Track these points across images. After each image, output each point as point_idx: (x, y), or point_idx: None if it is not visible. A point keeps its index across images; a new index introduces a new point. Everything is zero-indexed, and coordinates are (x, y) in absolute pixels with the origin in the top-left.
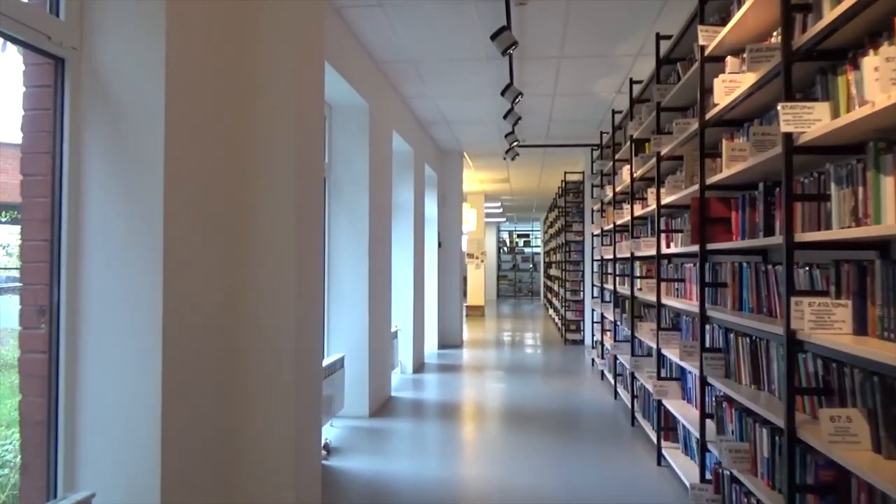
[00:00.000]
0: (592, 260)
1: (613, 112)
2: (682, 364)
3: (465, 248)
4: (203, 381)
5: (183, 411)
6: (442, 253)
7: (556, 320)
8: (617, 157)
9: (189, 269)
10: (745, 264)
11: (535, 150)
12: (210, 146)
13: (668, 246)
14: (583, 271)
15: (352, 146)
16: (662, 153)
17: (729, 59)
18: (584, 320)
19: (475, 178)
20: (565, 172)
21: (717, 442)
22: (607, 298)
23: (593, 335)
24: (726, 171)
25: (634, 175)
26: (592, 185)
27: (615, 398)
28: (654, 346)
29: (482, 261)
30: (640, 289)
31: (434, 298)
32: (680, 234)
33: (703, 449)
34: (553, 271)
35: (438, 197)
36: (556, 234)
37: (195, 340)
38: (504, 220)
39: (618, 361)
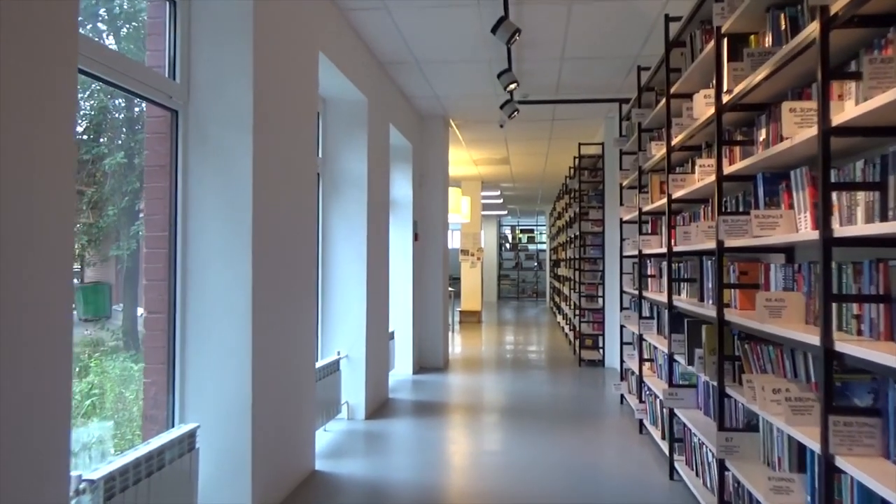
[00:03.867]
0: (621, 257)
1: (668, 18)
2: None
3: (457, 243)
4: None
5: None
6: (419, 248)
7: (567, 331)
8: (676, 88)
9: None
10: None
11: (542, 116)
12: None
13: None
14: (603, 271)
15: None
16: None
17: None
18: (604, 334)
19: (467, 159)
20: (580, 144)
21: None
22: (648, 313)
23: (622, 361)
24: None
25: (724, 102)
26: (621, 153)
27: (671, 477)
28: (787, 429)
29: (479, 258)
30: (730, 305)
31: (407, 306)
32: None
33: None
34: (562, 270)
35: (415, 175)
36: (566, 226)
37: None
38: (505, 212)
39: (676, 418)
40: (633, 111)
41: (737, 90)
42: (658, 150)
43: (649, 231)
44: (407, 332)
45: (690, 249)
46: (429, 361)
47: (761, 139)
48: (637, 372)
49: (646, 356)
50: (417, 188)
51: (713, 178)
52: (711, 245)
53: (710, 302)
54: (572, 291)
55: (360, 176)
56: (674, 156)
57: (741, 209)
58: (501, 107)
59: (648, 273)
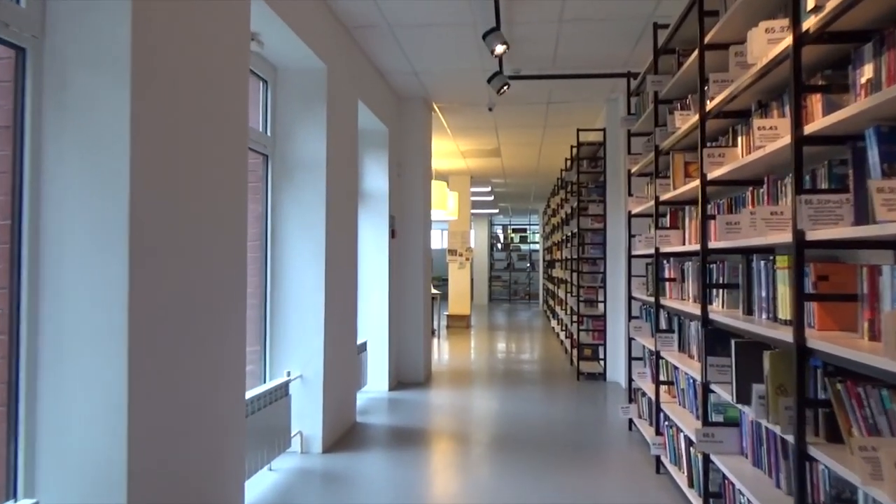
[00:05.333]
0: (629, 256)
1: None
2: None
3: (445, 243)
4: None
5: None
6: (397, 247)
7: (563, 338)
8: (713, 34)
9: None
10: None
11: (536, 98)
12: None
13: None
14: (604, 273)
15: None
16: None
17: None
18: (605, 344)
19: (454, 150)
20: (578, 131)
21: None
22: (666, 325)
23: (630, 380)
24: None
25: (807, 30)
26: (630, 136)
27: None
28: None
29: (467, 259)
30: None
31: (382, 313)
32: None
33: None
34: (557, 272)
35: (391, 164)
36: (561, 224)
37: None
38: (497, 211)
39: (712, 464)
40: (649, 78)
41: (830, 6)
42: (684, 122)
43: (668, 225)
44: (382, 342)
45: (738, 246)
46: (408, 375)
47: (862, 81)
48: (652, 397)
49: (662, 377)
50: (395, 179)
51: (781, 143)
52: (780, 238)
53: (765, 316)
54: (569, 295)
55: (318, 159)
56: (709, 125)
57: (821, 187)
58: (490, 80)
59: (666, 276)
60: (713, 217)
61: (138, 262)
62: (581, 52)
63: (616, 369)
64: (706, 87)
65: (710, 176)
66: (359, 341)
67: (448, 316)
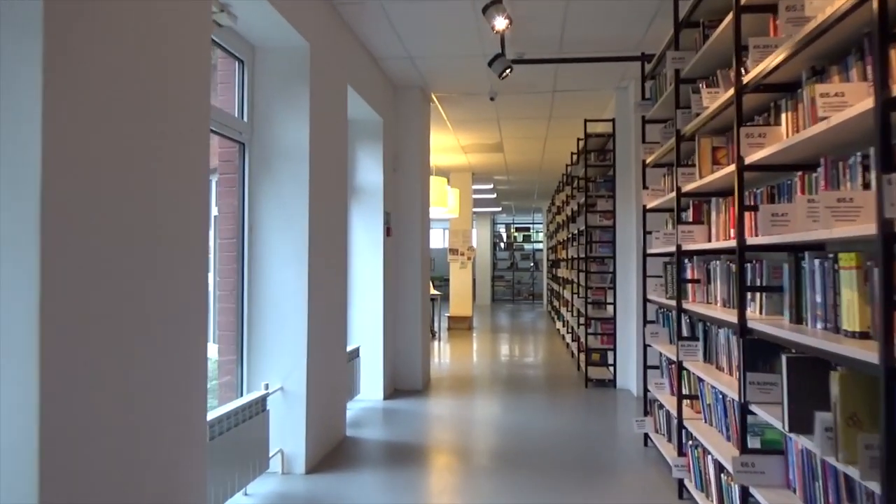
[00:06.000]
0: (644, 255)
1: None
2: None
3: (446, 242)
4: None
5: None
6: (393, 245)
7: (568, 341)
8: None
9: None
10: None
11: (541, 86)
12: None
13: None
14: (614, 273)
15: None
16: None
17: None
18: (615, 348)
19: (455, 144)
20: (585, 122)
21: None
22: (689, 332)
23: (646, 391)
24: None
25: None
26: (644, 123)
27: None
28: None
29: (469, 258)
30: (868, 335)
31: (377, 316)
32: None
33: None
34: (562, 271)
35: (386, 158)
36: (567, 222)
37: None
38: (499, 209)
39: (751, 497)
40: (669, 55)
41: None
42: (713, 100)
43: (691, 219)
44: (376, 347)
45: (783, 242)
46: (405, 382)
47: None
48: (672, 411)
49: (685, 389)
50: (390, 173)
51: (853, 111)
52: (851, 230)
53: (821, 326)
54: (575, 296)
55: (300, 147)
56: (746, 101)
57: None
58: (490, 63)
59: (688, 277)
60: (753, 208)
61: (51, 260)
62: (590, 33)
63: (627, 376)
64: (744, 57)
65: (749, 160)
66: (351, 347)
67: (449, 317)
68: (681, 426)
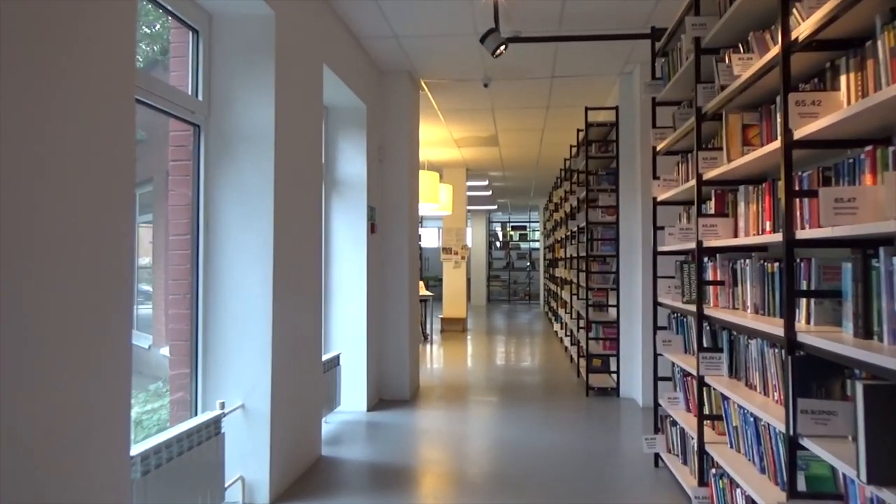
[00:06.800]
0: (655, 253)
1: None
2: None
3: (438, 241)
4: None
5: None
6: (378, 243)
7: (567, 344)
8: None
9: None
10: None
11: (539, 71)
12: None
13: None
14: (617, 273)
15: None
16: None
17: None
18: (618, 354)
19: (447, 137)
20: (586, 109)
21: None
22: (711, 342)
23: (657, 405)
24: None
25: None
26: (655, 105)
27: None
28: None
29: (463, 258)
30: None
31: (360, 319)
32: None
33: None
34: (560, 271)
35: (370, 148)
36: (565, 219)
37: None
38: (495, 207)
39: None
40: (688, 21)
41: None
42: (746, 68)
43: (713, 211)
44: (360, 354)
45: (853, 235)
46: (391, 391)
47: None
48: (689, 431)
49: (707, 409)
50: (375, 165)
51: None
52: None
53: None
54: (575, 297)
55: (265, 130)
56: (796, 62)
57: None
58: (483, 39)
59: (709, 279)
60: (806, 193)
61: None
62: (594, 6)
63: (632, 384)
64: (792, 9)
65: (800, 135)
66: (330, 355)
67: (442, 319)
68: (702, 452)
